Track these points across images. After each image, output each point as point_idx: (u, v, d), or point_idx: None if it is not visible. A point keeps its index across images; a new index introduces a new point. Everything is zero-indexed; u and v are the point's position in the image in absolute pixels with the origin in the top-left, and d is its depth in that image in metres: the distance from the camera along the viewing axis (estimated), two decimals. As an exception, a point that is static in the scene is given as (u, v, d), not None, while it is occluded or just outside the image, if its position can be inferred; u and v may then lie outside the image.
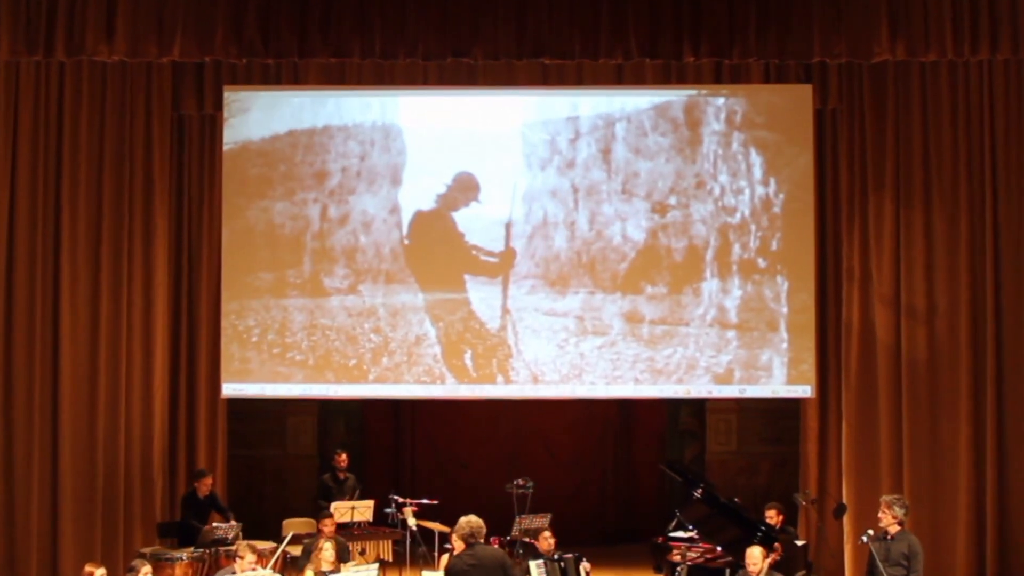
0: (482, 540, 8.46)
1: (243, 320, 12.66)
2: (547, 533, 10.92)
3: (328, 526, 11.13)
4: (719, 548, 10.90)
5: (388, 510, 11.99)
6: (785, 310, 12.60)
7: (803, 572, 10.92)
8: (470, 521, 8.42)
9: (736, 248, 12.62)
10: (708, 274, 12.61)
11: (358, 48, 11.32)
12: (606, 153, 12.67)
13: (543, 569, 10.45)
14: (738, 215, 12.61)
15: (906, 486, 11.91)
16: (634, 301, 12.62)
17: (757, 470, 14.17)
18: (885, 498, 10.02)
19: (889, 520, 9.77)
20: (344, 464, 12.84)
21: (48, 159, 12.18)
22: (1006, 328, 12.04)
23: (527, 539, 11.44)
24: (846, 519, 12.06)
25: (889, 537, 9.75)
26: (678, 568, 10.84)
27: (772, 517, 11.20)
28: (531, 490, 11.94)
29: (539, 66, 12.33)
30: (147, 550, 11.46)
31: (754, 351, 12.57)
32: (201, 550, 11.31)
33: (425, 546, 11.76)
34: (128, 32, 11.18)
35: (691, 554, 11.07)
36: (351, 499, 12.35)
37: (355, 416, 14.58)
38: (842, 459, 12.45)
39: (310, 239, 12.71)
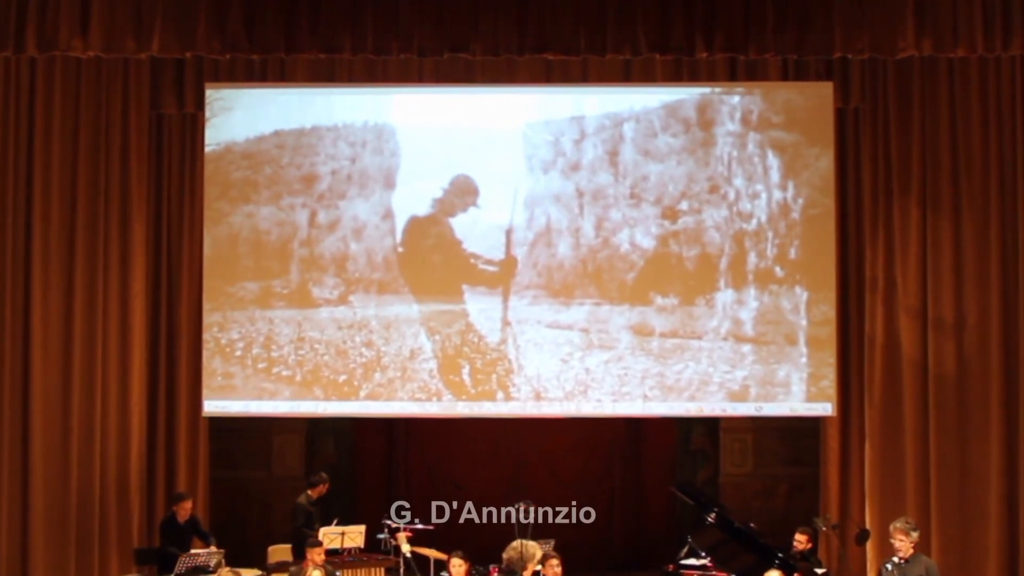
0: (519, 570, 7.91)
1: (226, 333, 12.45)
2: (555, 561, 10.46)
3: (320, 555, 10.81)
4: (733, 576, 10.84)
5: (380, 536, 11.78)
6: (804, 323, 12.38)
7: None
8: (522, 547, 7.87)
9: (752, 256, 12.41)
10: (722, 284, 12.41)
11: (349, 43, 11.07)
12: (613, 155, 12.48)
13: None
14: (754, 221, 12.41)
15: (933, 510, 11.88)
16: (643, 313, 12.42)
17: (774, 493, 13.91)
18: (897, 525, 9.89)
19: (908, 547, 9.66)
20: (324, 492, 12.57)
21: (18, 162, 11.96)
22: (1039, 341, 11.98)
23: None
24: (869, 545, 11.98)
25: (903, 560, 9.62)
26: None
27: (802, 542, 11.22)
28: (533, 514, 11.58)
29: (542, 62, 12.10)
30: (123, 579, 11.43)
31: (771, 366, 12.34)
32: (180, 578, 11.19)
33: (420, 574, 11.53)
34: (104, 26, 10.88)
35: (704, 583, 11.07)
36: (325, 523, 12.09)
37: (346, 435, 14.34)
38: (865, 481, 12.34)
39: (297, 246, 12.51)
